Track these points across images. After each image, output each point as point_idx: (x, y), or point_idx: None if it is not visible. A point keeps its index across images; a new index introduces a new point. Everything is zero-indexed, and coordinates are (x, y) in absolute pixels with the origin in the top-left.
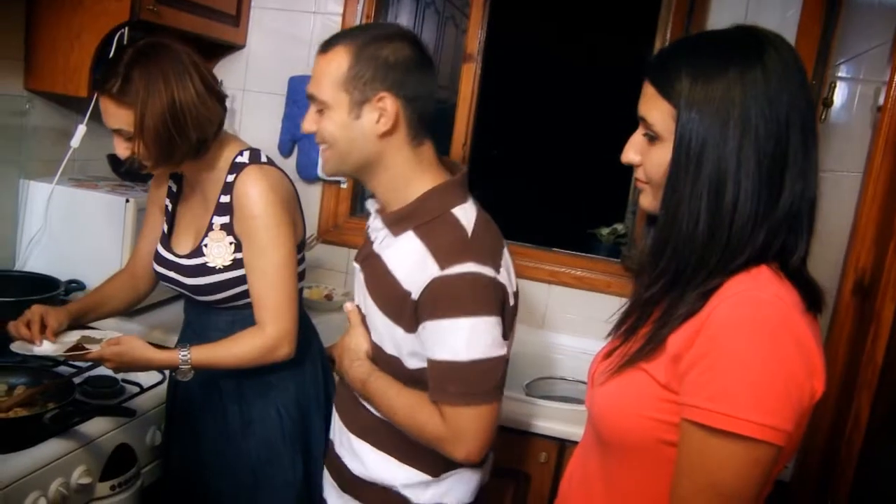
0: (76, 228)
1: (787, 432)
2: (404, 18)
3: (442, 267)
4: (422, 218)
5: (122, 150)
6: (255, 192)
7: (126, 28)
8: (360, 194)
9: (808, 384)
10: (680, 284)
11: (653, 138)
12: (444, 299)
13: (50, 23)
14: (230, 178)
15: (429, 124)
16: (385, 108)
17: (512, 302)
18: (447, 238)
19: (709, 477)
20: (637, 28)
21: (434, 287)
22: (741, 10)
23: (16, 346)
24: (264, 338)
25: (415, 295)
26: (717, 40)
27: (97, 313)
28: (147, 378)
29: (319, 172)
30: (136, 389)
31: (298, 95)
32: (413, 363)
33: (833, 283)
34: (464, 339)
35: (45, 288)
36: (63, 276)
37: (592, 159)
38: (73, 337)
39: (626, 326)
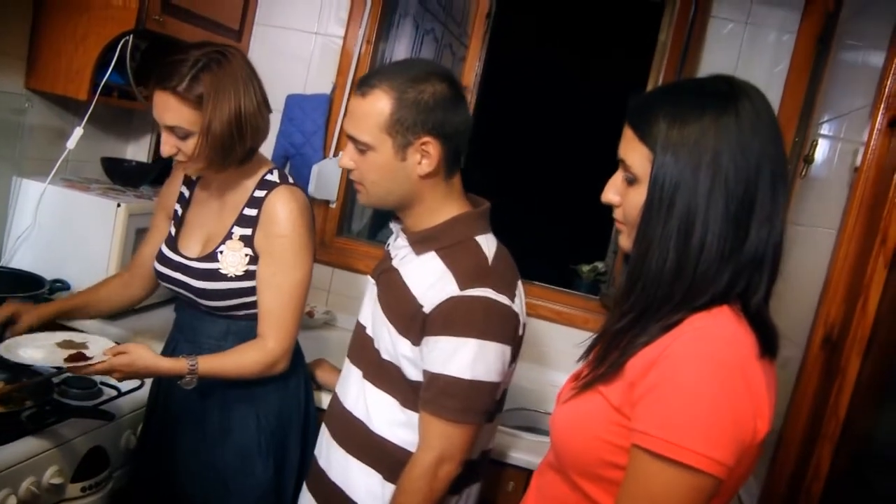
0: (65, 229)
1: (729, 466)
2: (403, 44)
3: (461, 287)
4: (446, 241)
5: (169, 147)
6: (285, 212)
7: (131, 35)
8: (348, 215)
9: (752, 423)
10: (646, 318)
11: (631, 181)
12: (458, 318)
13: (56, 24)
14: (259, 192)
15: (460, 157)
16: (428, 152)
17: (521, 332)
18: (469, 262)
19: (650, 502)
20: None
21: (449, 305)
22: (732, 63)
23: (2, 350)
24: (266, 353)
25: (427, 309)
26: (695, 87)
27: (82, 314)
28: (126, 382)
29: (310, 190)
30: (115, 393)
31: (294, 113)
32: (414, 375)
33: (803, 335)
34: (470, 358)
35: (29, 285)
36: (49, 275)
37: (577, 196)
38: (53, 339)
39: (595, 354)
